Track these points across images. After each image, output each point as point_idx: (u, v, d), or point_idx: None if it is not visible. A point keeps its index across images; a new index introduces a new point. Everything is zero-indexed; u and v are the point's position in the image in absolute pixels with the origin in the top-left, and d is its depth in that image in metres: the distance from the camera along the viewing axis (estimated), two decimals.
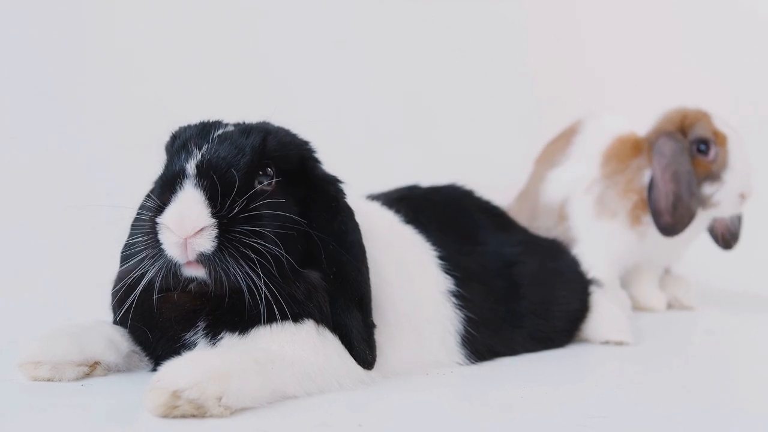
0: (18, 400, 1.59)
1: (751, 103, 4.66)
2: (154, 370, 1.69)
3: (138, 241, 1.62)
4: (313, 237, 1.72)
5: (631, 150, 3.25)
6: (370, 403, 1.63)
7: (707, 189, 3.16)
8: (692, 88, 4.52)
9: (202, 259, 1.57)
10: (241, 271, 1.56)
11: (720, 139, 3.16)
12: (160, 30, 3.92)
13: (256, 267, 1.57)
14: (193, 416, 1.43)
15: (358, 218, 1.79)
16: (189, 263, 1.58)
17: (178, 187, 1.59)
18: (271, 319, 1.62)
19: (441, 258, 2.05)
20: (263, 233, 1.59)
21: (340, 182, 1.83)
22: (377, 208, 2.11)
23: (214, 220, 1.56)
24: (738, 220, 3.35)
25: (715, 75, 4.89)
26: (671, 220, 3.09)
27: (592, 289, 2.46)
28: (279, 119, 1.80)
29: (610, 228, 3.21)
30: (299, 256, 1.68)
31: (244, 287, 1.58)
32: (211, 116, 1.77)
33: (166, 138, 1.74)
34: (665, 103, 3.33)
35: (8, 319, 2.50)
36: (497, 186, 2.65)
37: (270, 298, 1.59)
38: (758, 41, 4.97)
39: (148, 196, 1.72)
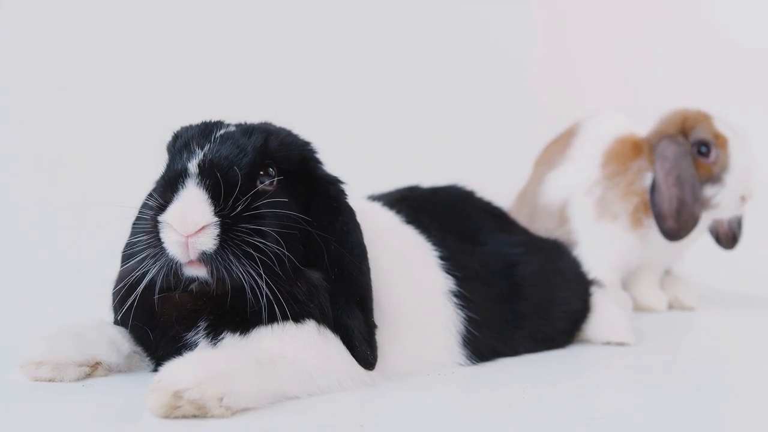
0: (19, 401, 1.59)
1: (751, 104, 4.66)
2: (156, 370, 1.68)
3: (139, 240, 1.62)
4: (314, 237, 1.71)
5: (631, 151, 3.24)
6: (371, 404, 1.63)
7: (708, 191, 3.15)
8: (693, 89, 4.53)
9: (204, 258, 1.56)
10: (243, 269, 1.56)
11: (721, 141, 3.16)
12: (161, 30, 3.93)
13: (258, 266, 1.57)
14: (195, 417, 1.43)
15: (360, 219, 1.79)
16: (191, 262, 1.58)
17: (180, 186, 1.59)
18: (272, 319, 1.62)
19: (442, 258, 2.04)
20: (265, 232, 1.59)
21: (342, 183, 1.83)
22: (378, 208, 2.11)
23: (216, 219, 1.56)
24: (738, 221, 3.35)
25: (714, 75, 4.89)
26: (675, 225, 3.08)
27: (594, 289, 2.46)
28: (280, 120, 1.80)
29: (612, 230, 3.20)
30: (301, 256, 1.68)
31: (247, 286, 1.58)
32: (213, 116, 1.78)
33: (168, 138, 1.74)
34: (666, 103, 3.33)
35: (9, 320, 2.51)
36: (498, 186, 2.64)
37: (271, 298, 1.59)
38: (758, 43, 4.97)
39: (150, 195, 1.72)
